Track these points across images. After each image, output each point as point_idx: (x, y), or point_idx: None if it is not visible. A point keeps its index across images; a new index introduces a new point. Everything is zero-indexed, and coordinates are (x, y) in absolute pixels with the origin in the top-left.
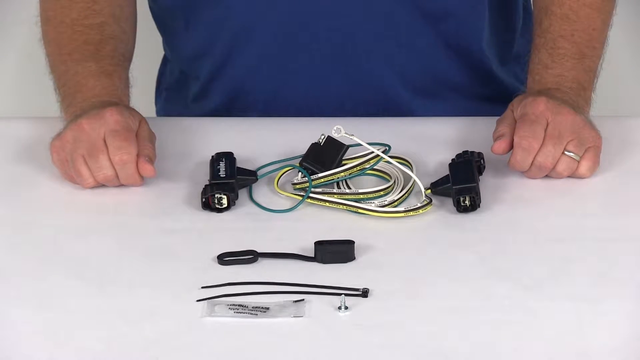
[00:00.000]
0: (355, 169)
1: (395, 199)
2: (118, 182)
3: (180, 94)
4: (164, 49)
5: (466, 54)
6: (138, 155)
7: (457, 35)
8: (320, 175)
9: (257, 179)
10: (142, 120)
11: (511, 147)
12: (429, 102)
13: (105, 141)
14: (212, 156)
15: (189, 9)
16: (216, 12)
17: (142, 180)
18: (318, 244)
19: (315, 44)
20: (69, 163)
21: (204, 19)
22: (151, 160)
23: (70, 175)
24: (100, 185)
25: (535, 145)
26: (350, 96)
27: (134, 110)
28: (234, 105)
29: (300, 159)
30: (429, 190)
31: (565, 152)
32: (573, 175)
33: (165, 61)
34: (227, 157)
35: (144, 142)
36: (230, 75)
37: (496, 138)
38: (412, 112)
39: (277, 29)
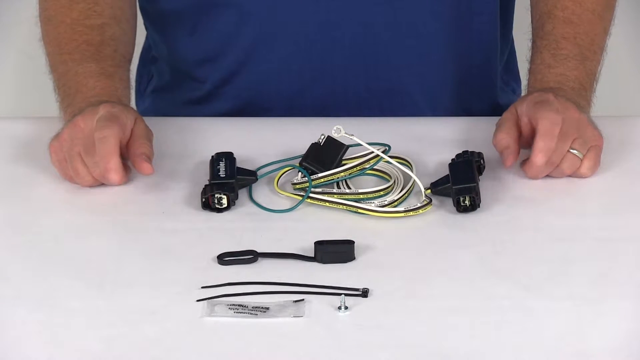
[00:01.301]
0: (355, 169)
1: (395, 199)
2: None
3: (174, 96)
4: (153, 50)
5: (479, 64)
6: (136, 154)
7: (474, 48)
8: (320, 175)
9: (257, 179)
10: (137, 118)
11: (517, 155)
12: (443, 113)
13: None
14: (212, 156)
15: (198, 13)
16: (230, 18)
17: (119, 166)
18: (318, 244)
19: (335, 50)
20: (67, 162)
21: (217, 23)
22: (149, 158)
23: (69, 175)
24: (99, 184)
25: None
26: (368, 102)
27: (130, 107)
28: (248, 110)
29: (300, 159)
30: (429, 190)
31: (570, 150)
32: (574, 174)
33: (148, 62)
34: (227, 157)
35: (140, 140)
36: (246, 81)
37: (501, 150)
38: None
39: (296, 36)
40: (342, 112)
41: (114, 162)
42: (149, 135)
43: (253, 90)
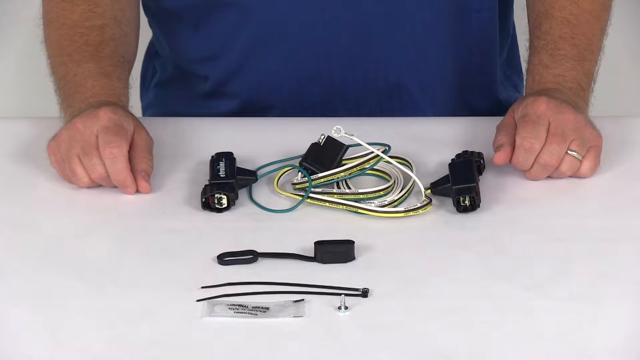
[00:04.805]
0: (355, 169)
1: (395, 199)
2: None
3: (177, 91)
4: (155, 46)
5: (478, 59)
6: (136, 170)
7: (473, 44)
8: (320, 175)
9: (257, 179)
10: (137, 125)
11: (511, 155)
12: (444, 110)
13: (98, 138)
14: (212, 156)
15: (201, 12)
16: (233, 16)
17: (132, 181)
18: (318, 244)
19: (332, 49)
20: (65, 163)
21: (218, 22)
22: (148, 175)
23: (68, 175)
24: (96, 185)
25: (537, 146)
26: (367, 100)
27: (129, 112)
28: (249, 109)
29: (300, 159)
30: (429, 190)
31: (569, 152)
32: (574, 174)
33: (152, 57)
34: (227, 157)
35: (142, 154)
36: (247, 79)
37: (496, 148)
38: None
39: (294, 35)
40: (342, 110)
41: (130, 180)
42: (149, 145)
43: (254, 89)
